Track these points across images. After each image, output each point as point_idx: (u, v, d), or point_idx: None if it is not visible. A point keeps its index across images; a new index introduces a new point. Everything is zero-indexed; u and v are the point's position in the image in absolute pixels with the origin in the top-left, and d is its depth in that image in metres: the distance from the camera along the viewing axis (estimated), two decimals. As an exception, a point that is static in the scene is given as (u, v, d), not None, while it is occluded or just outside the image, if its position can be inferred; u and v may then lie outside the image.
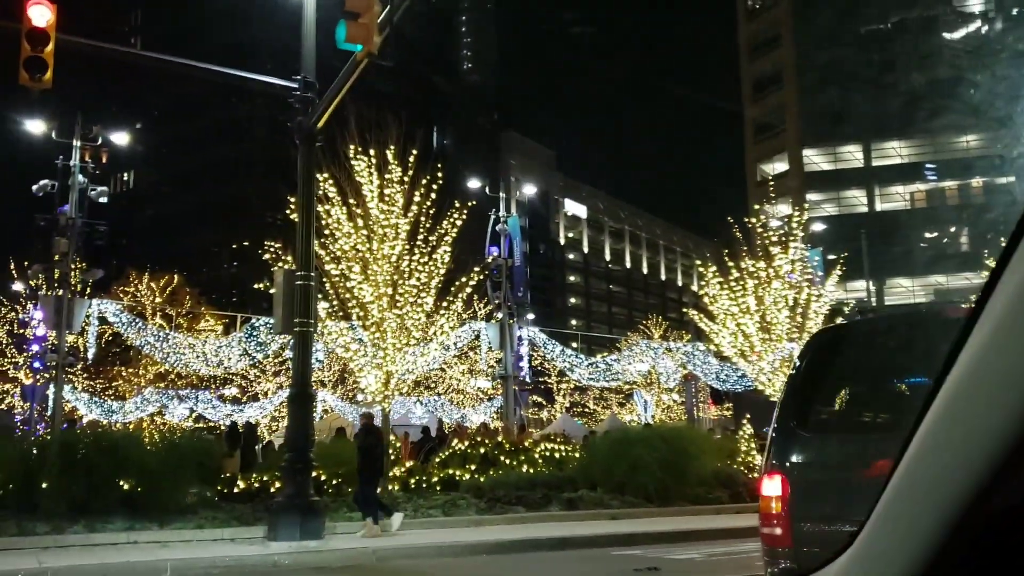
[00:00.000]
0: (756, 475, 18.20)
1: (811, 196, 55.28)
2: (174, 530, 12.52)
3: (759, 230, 19.32)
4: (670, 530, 12.55)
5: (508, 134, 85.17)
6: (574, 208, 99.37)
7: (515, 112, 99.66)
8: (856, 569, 1.13)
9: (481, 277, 16.54)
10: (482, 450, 17.25)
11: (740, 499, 16.02)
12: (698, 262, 19.13)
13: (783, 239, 18.75)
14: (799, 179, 62.60)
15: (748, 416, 18.82)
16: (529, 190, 70.59)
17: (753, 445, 18.30)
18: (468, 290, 16.00)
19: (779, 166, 67.45)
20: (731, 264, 18.60)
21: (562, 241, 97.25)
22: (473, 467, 16.58)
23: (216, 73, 14.40)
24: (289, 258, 14.81)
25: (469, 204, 16.43)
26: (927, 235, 65.01)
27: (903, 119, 63.09)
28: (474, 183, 26.54)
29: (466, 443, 17.92)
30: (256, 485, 14.47)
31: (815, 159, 67.10)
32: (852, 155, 66.85)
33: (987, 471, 0.90)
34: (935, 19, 65.80)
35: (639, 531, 12.38)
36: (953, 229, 64.89)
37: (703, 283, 18.89)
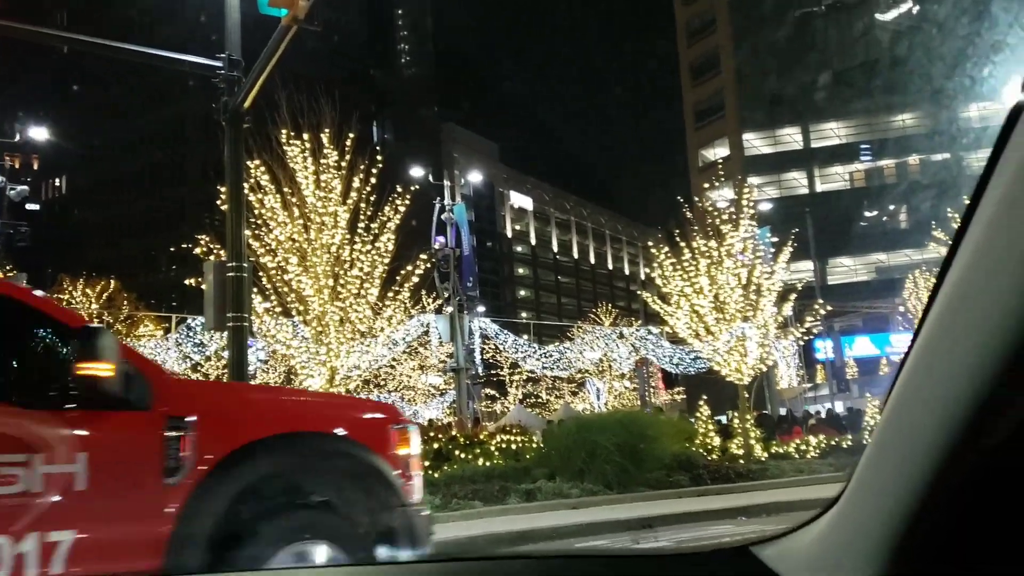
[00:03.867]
0: (716, 457, 18.02)
1: (753, 179, 55.59)
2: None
3: (709, 209, 18.99)
4: (634, 517, 12.05)
5: (449, 126, 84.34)
6: (520, 200, 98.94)
7: (456, 105, 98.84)
8: (840, 525, 1.13)
9: (428, 265, 15.80)
10: (435, 445, 16.61)
11: (701, 481, 15.64)
12: (650, 243, 18.68)
13: (732, 217, 18.41)
14: (740, 163, 62.99)
15: (704, 398, 18.44)
16: (474, 181, 70.06)
17: (711, 427, 17.97)
18: (415, 279, 15.29)
19: (721, 151, 67.77)
20: (683, 244, 18.21)
21: (509, 234, 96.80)
22: (426, 463, 15.94)
23: (138, 54, 13.56)
24: (224, 253, 14.01)
25: (412, 188, 15.74)
26: (867, 214, 65.94)
27: (839, 100, 63.92)
28: (417, 172, 25.83)
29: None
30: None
31: (755, 143, 67.59)
32: (791, 138, 67.45)
33: (966, 415, 0.90)
34: (868, 0, 66.68)
35: (601, 520, 11.87)
36: (892, 207, 65.91)
37: (655, 264, 18.45)
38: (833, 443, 18.64)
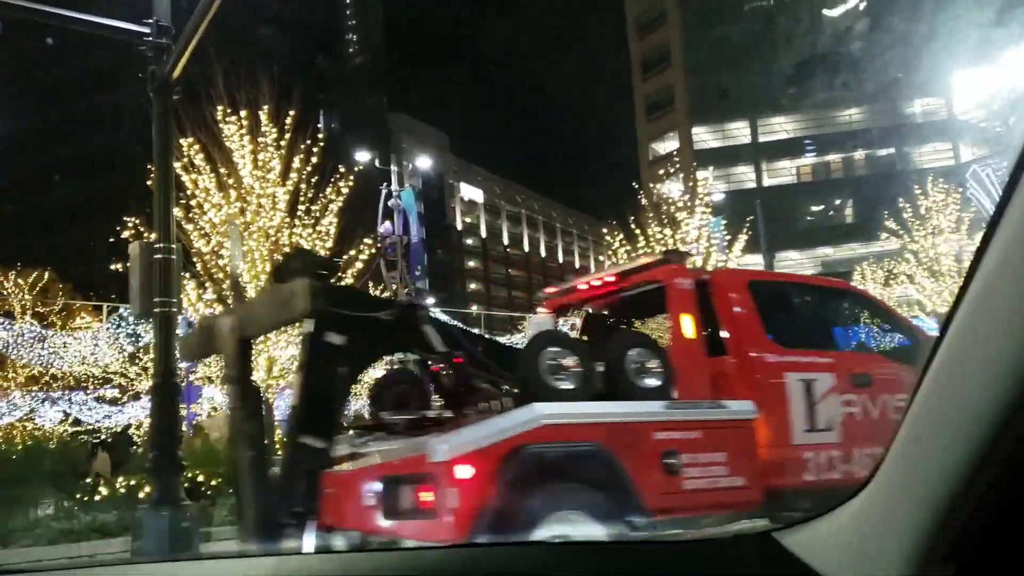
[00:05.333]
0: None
1: (703, 173, 55.63)
2: (21, 548, 10.79)
3: (664, 196, 18.56)
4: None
5: (398, 116, 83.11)
6: (470, 192, 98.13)
7: (406, 95, 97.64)
8: (872, 513, 1.12)
9: (374, 251, 15.05)
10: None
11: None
12: (604, 230, 18.15)
13: (687, 204, 18.01)
14: (690, 156, 63.09)
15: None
16: (423, 169, 69.09)
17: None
18: (359, 265, 14.53)
19: (671, 144, 67.80)
20: (637, 232, 17.74)
21: (459, 226, 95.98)
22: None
23: (55, 16, 12.54)
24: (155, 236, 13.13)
25: (357, 169, 14.99)
26: (813, 208, 66.63)
27: (787, 95, 64.45)
28: (363, 156, 24.95)
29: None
30: (122, 490, 12.79)
31: (705, 136, 67.71)
32: (740, 132, 67.76)
33: (1002, 409, 0.89)
34: (815, -5, 67.29)
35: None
36: (838, 201, 66.72)
37: (610, 252, 17.96)
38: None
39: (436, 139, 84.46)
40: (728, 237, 17.94)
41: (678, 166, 19.49)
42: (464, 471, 4.49)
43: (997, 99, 52.27)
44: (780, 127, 67.39)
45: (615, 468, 4.91)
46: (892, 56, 57.67)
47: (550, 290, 7.74)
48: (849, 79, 62.87)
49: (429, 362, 5.96)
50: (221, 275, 13.73)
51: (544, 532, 4.45)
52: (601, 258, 18.79)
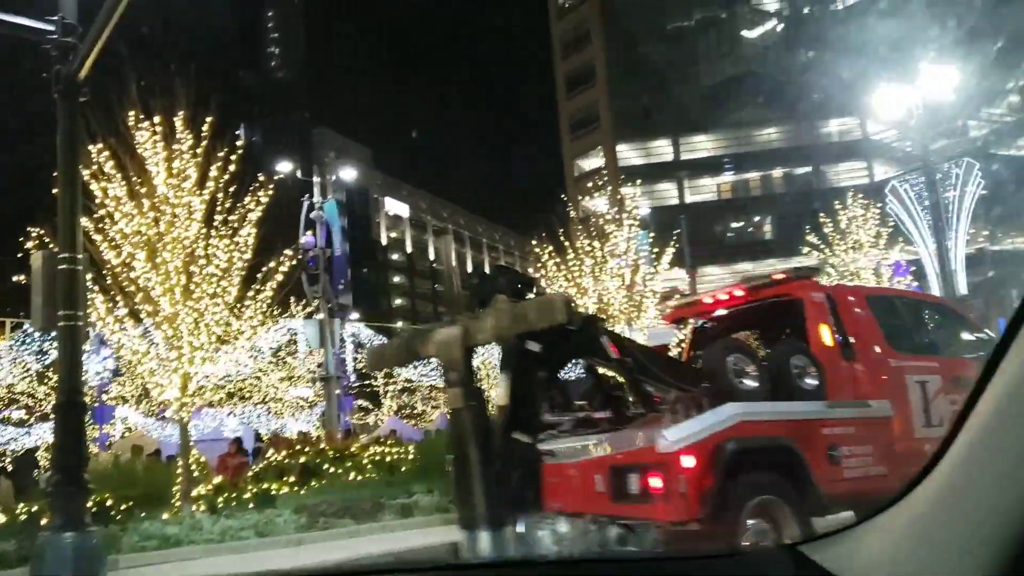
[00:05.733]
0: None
1: (627, 190, 56.10)
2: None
3: (591, 210, 18.50)
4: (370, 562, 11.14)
5: (321, 130, 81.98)
6: (395, 207, 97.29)
7: (330, 110, 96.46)
8: (921, 518, 1.07)
9: (294, 262, 14.50)
10: (302, 459, 15.35)
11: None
12: (533, 242, 17.95)
13: (616, 217, 17.97)
14: (615, 173, 63.67)
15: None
16: (347, 182, 68.10)
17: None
18: (279, 277, 13.97)
19: (595, 162, 68.37)
20: (566, 243, 17.60)
21: (384, 241, 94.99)
22: (292, 479, 14.66)
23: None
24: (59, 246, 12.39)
25: (276, 177, 14.47)
26: (734, 224, 67.96)
27: (708, 113, 65.71)
28: (284, 167, 24.29)
29: (284, 453, 15.93)
30: (23, 517, 11.96)
31: (628, 154, 68.46)
32: (663, 150, 68.73)
33: None
34: (735, 16, 68.84)
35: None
36: (758, 218, 68.20)
37: (539, 264, 17.76)
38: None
39: (360, 153, 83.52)
40: (656, 250, 17.92)
41: (604, 182, 19.40)
42: (688, 460, 5.23)
43: (908, 119, 54.16)
44: (701, 145, 68.66)
45: (798, 458, 5.71)
46: (808, 77, 59.33)
47: (672, 303, 8.99)
48: (767, 99, 64.47)
49: (597, 368, 6.77)
50: (133, 288, 13.05)
51: (744, 515, 5.28)
52: (530, 271, 18.52)
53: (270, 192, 13.74)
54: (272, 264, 13.65)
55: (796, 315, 7.05)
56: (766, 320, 7.98)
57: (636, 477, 5.41)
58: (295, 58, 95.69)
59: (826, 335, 6.83)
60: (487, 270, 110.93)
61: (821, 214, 23.24)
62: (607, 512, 5.62)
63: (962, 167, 20.11)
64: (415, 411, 49.19)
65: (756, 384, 6.15)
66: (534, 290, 6.58)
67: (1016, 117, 54.99)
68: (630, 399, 6.61)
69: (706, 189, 68.93)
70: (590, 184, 20.27)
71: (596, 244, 17.11)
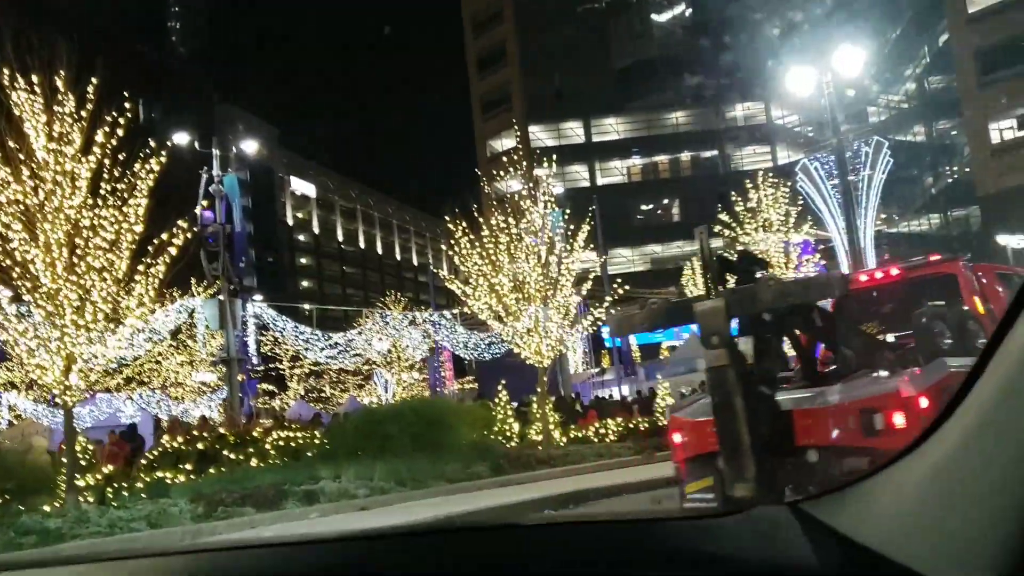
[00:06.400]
0: (515, 444, 17.10)
1: (539, 171, 55.73)
2: None
3: (506, 191, 18.04)
4: (427, 522, 10.69)
5: (225, 107, 79.11)
6: (302, 187, 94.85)
7: (235, 88, 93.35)
8: (931, 473, 1.08)
9: (189, 235, 13.54)
10: (200, 445, 14.48)
11: (501, 471, 14.59)
12: (447, 217, 17.35)
13: (532, 194, 17.54)
14: (527, 153, 63.31)
15: (503, 382, 17.38)
16: (250, 162, 65.94)
17: (510, 413, 16.98)
18: (173, 251, 13.01)
19: (507, 142, 67.93)
20: (481, 220, 17.07)
21: (290, 221, 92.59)
22: (189, 466, 13.80)
23: None
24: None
25: (169, 144, 13.48)
26: (643, 207, 68.61)
27: (618, 96, 66.02)
28: (182, 138, 22.95)
29: (180, 439, 15.00)
30: None
31: (540, 135, 68.27)
32: (574, 131, 68.78)
33: None
34: (644, 0, 69.24)
35: (391, 525, 10.40)
36: (666, 201, 69.04)
37: (452, 241, 17.18)
38: (631, 426, 18.27)
39: (266, 131, 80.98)
40: (572, 228, 17.56)
41: (516, 163, 18.91)
42: (924, 401, 6.25)
43: (809, 104, 55.62)
44: (612, 128, 68.96)
45: None
46: (716, 61, 60.17)
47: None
48: (676, 83, 65.16)
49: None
50: (9, 262, 11.94)
51: None
52: (443, 247, 17.99)
53: (162, 160, 12.75)
54: (164, 236, 12.67)
55: (951, 289, 8.44)
56: (918, 293, 9.08)
57: (881, 417, 6.48)
58: (198, 31, 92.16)
59: (980, 304, 8.16)
60: (398, 253, 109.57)
61: (732, 194, 23.32)
62: (855, 445, 6.55)
63: (871, 146, 20.47)
64: (323, 395, 48.14)
65: (951, 342, 7.72)
66: (767, 269, 8.10)
67: (911, 104, 56.93)
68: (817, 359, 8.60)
69: (616, 172, 69.37)
70: (503, 165, 19.69)
71: (511, 221, 16.59)
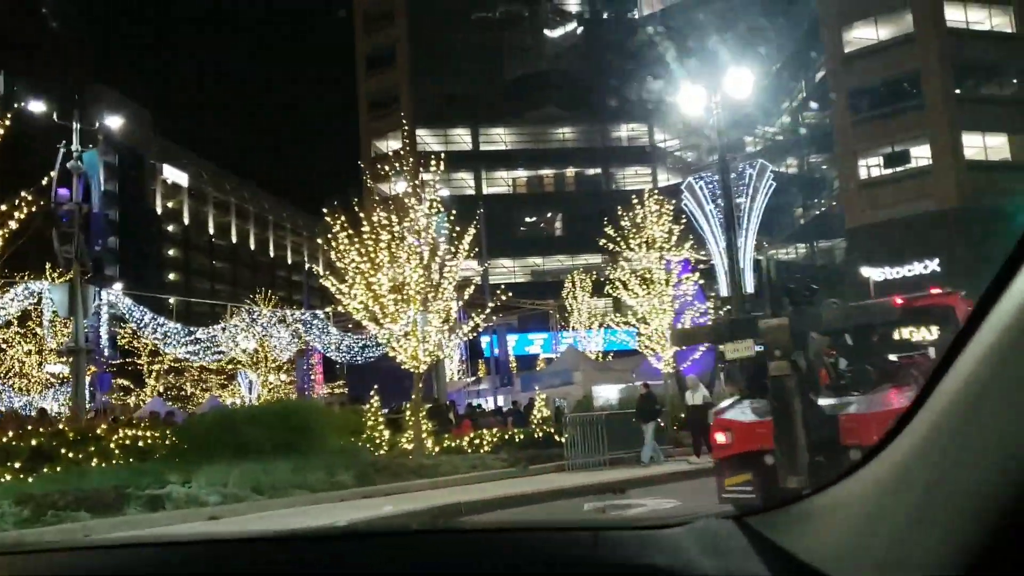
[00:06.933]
0: (383, 452, 16.29)
1: (424, 176, 54.80)
2: None
3: (391, 192, 17.31)
4: (282, 532, 9.84)
5: (95, 87, 74.69)
6: (174, 175, 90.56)
7: (110, 69, 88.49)
8: (879, 489, 1.08)
9: (34, 210, 12.20)
10: (34, 441, 13.08)
11: (368, 480, 13.80)
12: (324, 209, 16.43)
13: (417, 192, 16.87)
14: (413, 158, 62.29)
15: (376, 387, 16.54)
16: (117, 142, 62.38)
17: (380, 419, 16.16)
18: (13, 224, 11.68)
19: (394, 144, 66.78)
20: (362, 216, 16.25)
21: (159, 210, 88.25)
22: (18, 464, 12.41)
23: None
24: None
25: (17, 105, 12.13)
26: (527, 219, 68.79)
27: (507, 106, 66.09)
28: (38, 107, 21.01)
29: (10, 433, 13.53)
30: None
31: (427, 139, 67.53)
32: (461, 138, 68.39)
33: None
34: (538, 13, 69.66)
35: (246, 537, 9.51)
36: (549, 214, 69.44)
37: (329, 235, 16.28)
38: (506, 437, 17.78)
39: (138, 115, 76.95)
40: (457, 231, 16.98)
41: (402, 163, 18.21)
42: None
43: (690, 128, 57.17)
44: (500, 138, 68.96)
45: None
46: (604, 81, 61.06)
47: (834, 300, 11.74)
48: (564, 98, 65.77)
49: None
50: None
51: None
52: (319, 241, 16.99)
53: (6, 123, 11.43)
54: (3, 207, 11.36)
55: (948, 317, 9.58)
56: (918, 319, 10.38)
57: None
58: (74, 9, 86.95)
59: None
60: (272, 251, 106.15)
61: (619, 208, 23.33)
62: None
63: (755, 168, 20.82)
64: (183, 393, 45.87)
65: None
66: (816, 294, 9.31)
67: (786, 136, 59.29)
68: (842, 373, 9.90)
69: (502, 182, 69.34)
70: (388, 164, 18.94)
71: (394, 219, 15.86)
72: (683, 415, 18.53)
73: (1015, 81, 42.30)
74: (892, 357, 10.23)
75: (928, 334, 10.49)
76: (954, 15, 41.35)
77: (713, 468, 9.20)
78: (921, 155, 41.87)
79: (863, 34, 43.61)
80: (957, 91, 40.71)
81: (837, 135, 45.63)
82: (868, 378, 9.02)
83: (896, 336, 10.67)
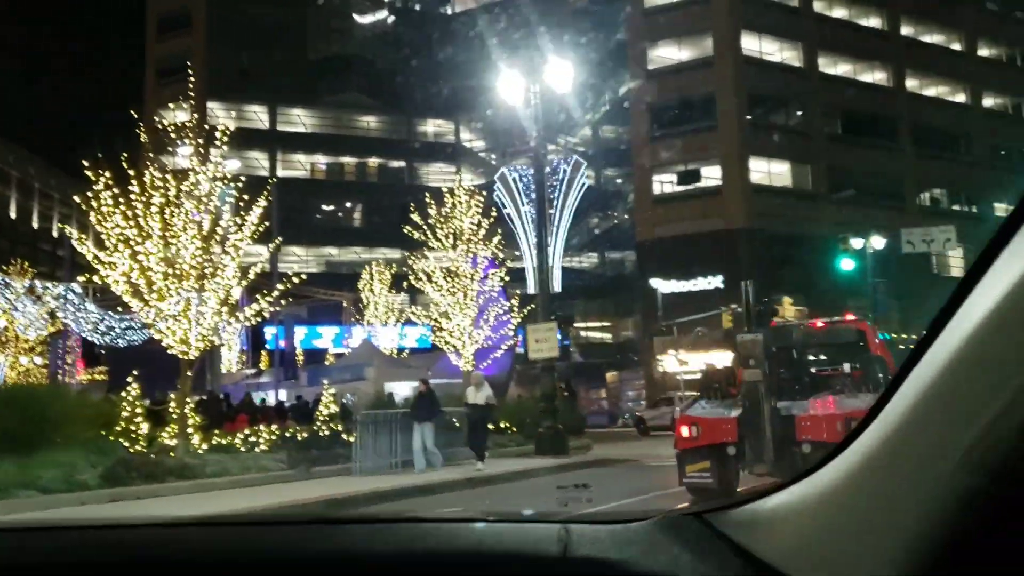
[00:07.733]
0: (141, 448, 14.15)
1: (214, 152, 51.08)
2: None
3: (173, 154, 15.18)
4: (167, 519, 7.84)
5: None
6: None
7: None
8: (839, 490, 1.09)
9: None
10: None
11: (117, 481, 11.80)
12: (84, 162, 14.06)
13: (200, 152, 14.87)
14: (202, 132, 58.09)
15: (135, 373, 14.29)
16: None
17: (139, 410, 13.97)
18: None
19: (182, 115, 62.04)
20: (132, 174, 14.05)
21: None
22: None
23: None
24: None
25: None
26: (324, 207, 66.19)
27: (310, 88, 63.33)
28: None
29: None
30: None
31: (219, 113, 63.39)
32: (257, 116, 64.91)
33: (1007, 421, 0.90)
34: (348, -3, 67.36)
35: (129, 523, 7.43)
36: (348, 204, 67.21)
37: (90, 195, 13.96)
38: (286, 435, 16.09)
39: None
40: (244, 200, 15.13)
41: (190, 136, 16.08)
42: None
43: (495, 129, 57.17)
44: (299, 120, 66.09)
45: None
46: (412, 74, 59.86)
47: (777, 319, 14.87)
48: (371, 86, 63.95)
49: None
50: None
51: None
52: (76, 199, 14.58)
53: None
54: None
55: (861, 338, 11.65)
56: (836, 338, 12.13)
57: (854, 423, 7.06)
58: None
59: (885, 351, 11.42)
60: (36, 221, 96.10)
61: (427, 195, 22.24)
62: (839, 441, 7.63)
63: (570, 164, 20.42)
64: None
65: (883, 376, 10.40)
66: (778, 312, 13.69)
67: (586, 148, 60.69)
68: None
69: (299, 166, 66.39)
70: (175, 135, 16.66)
71: (170, 179, 13.81)
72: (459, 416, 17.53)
73: (799, 112, 45.30)
74: (813, 370, 11.92)
75: (844, 352, 11.86)
76: (750, 44, 43.66)
77: (676, 458, 10.53)
78: (712, 175, 43.87)
79: (667, 53, 45.16)
80: (748, 116, 43.01)
81: (634, 149, 46.96)
82: (808, 386, 10.65)
83: (817, 353, 12.32)
